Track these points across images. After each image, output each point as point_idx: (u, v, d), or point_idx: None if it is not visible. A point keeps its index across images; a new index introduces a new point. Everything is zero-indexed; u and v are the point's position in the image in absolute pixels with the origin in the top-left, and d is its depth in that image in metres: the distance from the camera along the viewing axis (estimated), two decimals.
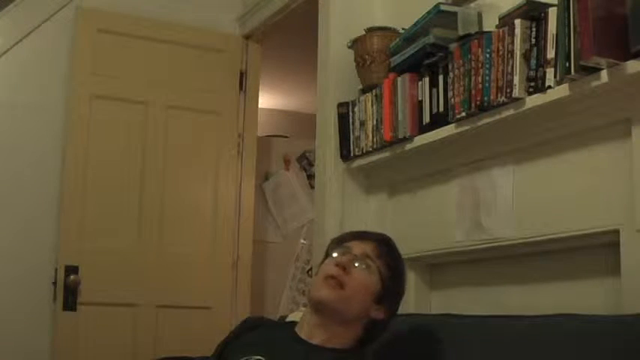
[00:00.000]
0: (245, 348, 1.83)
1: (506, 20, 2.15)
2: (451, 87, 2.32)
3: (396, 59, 2.64)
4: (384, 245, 1.88)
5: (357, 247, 1.83)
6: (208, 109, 3.90)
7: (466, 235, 2.39)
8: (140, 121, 3.74)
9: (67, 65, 3.66)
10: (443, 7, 2.45)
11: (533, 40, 2.04)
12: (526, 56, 2.06)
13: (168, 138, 3.78)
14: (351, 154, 2.81)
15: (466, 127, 2.29)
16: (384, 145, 2.64)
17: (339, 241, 1.90)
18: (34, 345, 3.47)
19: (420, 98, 2.50)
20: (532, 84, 2.04)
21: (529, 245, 2.19)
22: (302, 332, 1.83)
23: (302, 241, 4.85)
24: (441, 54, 2.41)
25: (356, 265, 1.80)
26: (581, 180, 2.03)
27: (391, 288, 1.85)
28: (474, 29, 2.36)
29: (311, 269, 3.78)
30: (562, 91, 1.95)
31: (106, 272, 3.58)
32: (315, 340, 1.80)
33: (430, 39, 2.45)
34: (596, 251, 2.03)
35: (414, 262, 2.64)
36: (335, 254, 1.84)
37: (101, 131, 3.66)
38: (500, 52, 2.12)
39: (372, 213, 2.87)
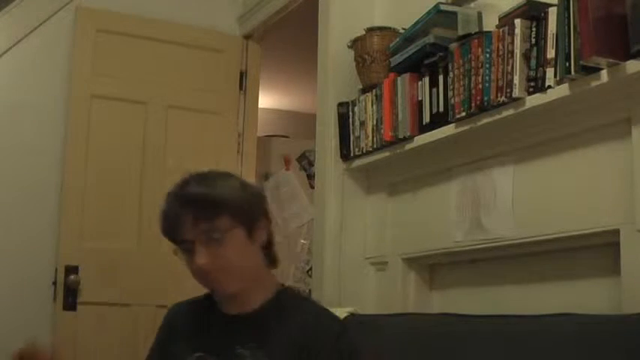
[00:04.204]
0: (185, 341, 1.80)
1: (506, 20, 2.15)
2: (451, 87, 2.32)
3: (396, 59, 2.64)
4: (201, 208, 1.71)
5: (192, 232, 1.69)
6: (208, 109, 3.90)
7: (466, 235, 2.39)
8: (140, 121, 3.74)
9: (67, 65, 3.66)
10: (443, 7, 2.45)
11: (533, 40, 2.04)
12: (526, 56, 2.06)
13: (168, 138, 3.78)
14: (351, 154, 2.81)
15: (466, 127, 2.29)
16: (384, 145, 2.64)
17: (172, 231, 1.74)
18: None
19: (420, 98, 2.50)
20: (532, 84, 2.04)
21: (529, 245, 2.19)
22: (223, 307, 1.80)
23: (302, 241, 4.85)
24: (441, 54, 2.41)
25: (212, 249, 1.68)
26: (581, 180, 2.03)
27: (245, 213, 1.73)
28: (473, 29, 2.36)
29: (311, 269, 3.77)
30: (562, 91, 1.95)
31: (106, 272, 3.58)
32: (241, 309, 1.76)
33: (430, 39, 2.45)
34: (596, 251, 2.03)
35: (414, 262, 2.64)
36: (183, 251, 1.72)
37: (101, 131, 3.66)
38: (500, 52, 2.12)
39: (372, 213, 2.87)
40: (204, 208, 1.71)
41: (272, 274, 1.83)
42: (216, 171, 1.84)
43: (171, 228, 1.74)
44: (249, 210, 1.75)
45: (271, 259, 1.82)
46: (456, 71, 2.29)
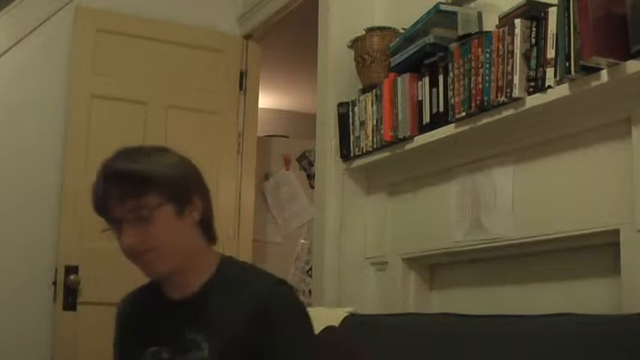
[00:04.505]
0: (137, 336, 1.79)
1: (506, 20, 2.15)
2: (451, 87, 2.32)
3: (396, 59, 2.64)
4: (127, 185, 1.64)
5: (119, 210, 1.65)
6: (208, 109, 3.90)
7: (466, 235, 2.39)
8: (140, 121, 3.74)
9: (67, 65, 3.66)
10: (443, 7, 2.45)
11: (533, 40, 2.04)
12: (526, 56, 2.06)
13: (168, 138, 3.78)
14: (351, 154, 2.81)
15: (466, 127, 2.29)
16: (384, 145, 2.64)
17: (101, 209, 1.70)
18: (34, 345, 3.47)
19: (420, 98, 2.50)
20: (532, 84, 2.04)
21: (529, 245, 2.19)
22: (166, 291, 1.77)
23: (302, 241, 4.85)
24: (441, 54, 2.41)
25: (140, 228, 1.65)
26: (581, 180, 2.03)
27: (174, 189, 1.67)
28: (473, 29, 2.36)
29: (311, 269, 3.76)
30: (562, 91, 1.95)
31: (106, 272, 3.57)
32: (183, 292, 1.73)
33: (430, 39, 2.45)
34: (596, 251, 2.03)
35: (414, 262, 2.64)
36: (113, 230, 1.71)
37: (101, 131, 3.66)
38: (500, 52, 2.12)
39: (372, 213, 2.87)
40: (130, 185, 1.65)
41: (211, 250, 1.77)
42: (151, 146, 1.79)
43: (100, 205, 1.69)
44: (180, 186, 1.69)
45: (210, 236, 1.75)
46: (456, 71, 2.29)
